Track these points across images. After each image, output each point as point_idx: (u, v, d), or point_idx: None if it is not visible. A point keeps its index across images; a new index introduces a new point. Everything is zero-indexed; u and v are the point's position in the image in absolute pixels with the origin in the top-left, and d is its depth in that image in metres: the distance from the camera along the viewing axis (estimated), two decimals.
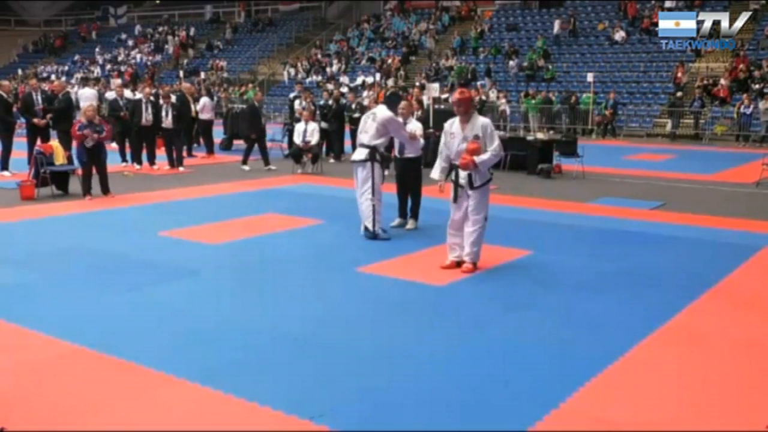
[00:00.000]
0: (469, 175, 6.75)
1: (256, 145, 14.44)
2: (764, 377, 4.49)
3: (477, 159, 6.65)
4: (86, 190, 10.58)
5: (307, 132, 13.96)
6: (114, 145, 17.70)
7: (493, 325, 5.36)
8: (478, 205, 6.79)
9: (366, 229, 8.09)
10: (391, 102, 8.43)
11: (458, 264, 6.93)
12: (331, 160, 16.03)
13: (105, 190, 10.74)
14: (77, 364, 4.55)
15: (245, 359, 4.64)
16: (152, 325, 5.27)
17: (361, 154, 8.10)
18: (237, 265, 7.06)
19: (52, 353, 4.72)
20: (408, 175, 8.82)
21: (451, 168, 6.95)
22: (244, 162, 14.38)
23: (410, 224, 8.81)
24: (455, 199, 6.87)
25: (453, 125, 6.89)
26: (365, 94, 21.73)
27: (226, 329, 5.17)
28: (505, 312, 5.70)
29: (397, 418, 3.83)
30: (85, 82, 24.36)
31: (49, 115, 13.02)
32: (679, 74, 23.85)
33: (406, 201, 8.86)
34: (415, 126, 9.02)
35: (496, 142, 6.76)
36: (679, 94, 23.26)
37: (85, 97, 17.30)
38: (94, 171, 10.71)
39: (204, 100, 17.32)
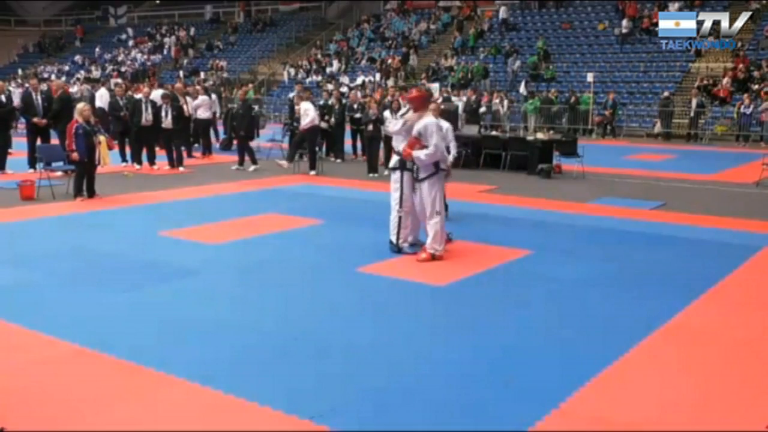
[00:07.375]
0: (417, 168, 7.26)
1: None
2: (764, 377, 4.49)
3: (414, 153, 7.13)
4: (78, 191, 10.44)
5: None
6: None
7: (492, 325, 5.36)
8: (426, 198, 7.20)
9: (390, 242, 7.58)
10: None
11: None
12: (332, 160, 16.04)
13: (91, 192, 10.55)
14: (77, 364, 4.54)
15: (245, 359, 4.63)
16: (152, 325, 5.27)
17: (393, 160, 7.66)
18: (237, 265, 7.06)
19: (52, 353, 4.71)
20: None
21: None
22: (241, 162, 14.37)
23: None
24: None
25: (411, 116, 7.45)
26: (351, 93, 21.65)
27: (226, 329, 5.17)
28: (505, 312, 5.69)
29: (397, 418, 3.83)
30: (102, 82, 23.85)
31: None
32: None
33: None
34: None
35: (434, 142, 7.07)
36: (665, 93, 23.20)
37: (102, 97, 16.81)
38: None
39: (201, 98, 16.46)
